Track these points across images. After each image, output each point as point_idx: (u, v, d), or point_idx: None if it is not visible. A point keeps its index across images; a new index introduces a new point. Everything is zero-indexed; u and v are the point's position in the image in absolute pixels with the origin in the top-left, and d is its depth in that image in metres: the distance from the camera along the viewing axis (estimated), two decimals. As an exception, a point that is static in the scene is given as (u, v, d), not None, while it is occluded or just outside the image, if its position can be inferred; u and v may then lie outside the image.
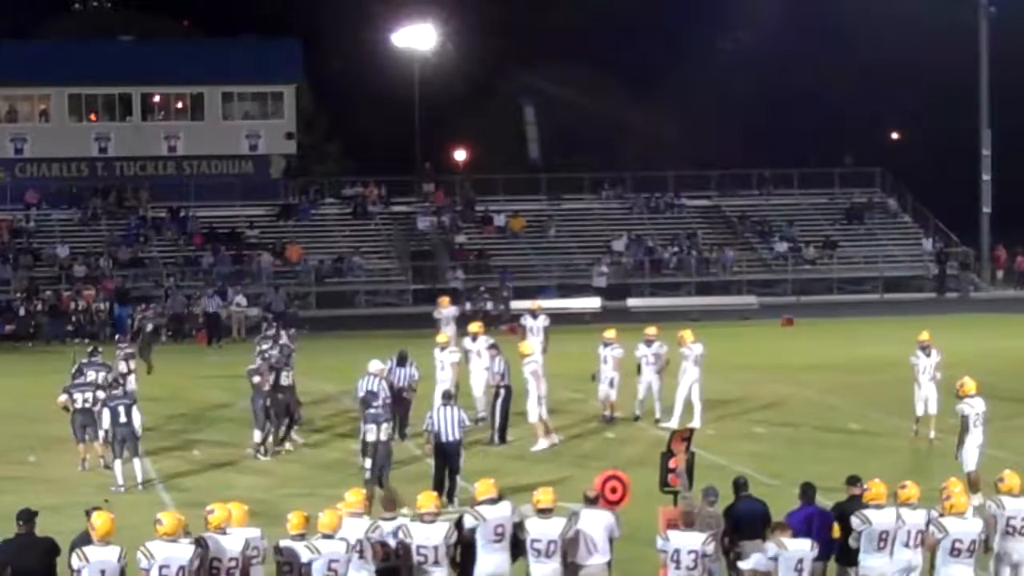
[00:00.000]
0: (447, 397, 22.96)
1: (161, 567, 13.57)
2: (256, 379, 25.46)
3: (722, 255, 60.19)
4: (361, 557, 14.53)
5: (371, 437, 21.28)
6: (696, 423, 26.32)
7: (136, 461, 23.26)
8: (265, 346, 28.47)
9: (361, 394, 25.10)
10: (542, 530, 14.95)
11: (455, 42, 71.82)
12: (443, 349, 28.27)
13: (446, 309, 37.40)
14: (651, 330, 28.78)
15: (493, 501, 15.21)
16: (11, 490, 22.49)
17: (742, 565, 14.97)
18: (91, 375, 25.95)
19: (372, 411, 21.95)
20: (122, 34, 67.50)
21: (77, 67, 60.03)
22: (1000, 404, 24.74)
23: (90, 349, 27.80)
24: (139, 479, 23.18)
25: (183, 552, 13.72)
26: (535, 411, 26.13)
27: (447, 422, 21.49)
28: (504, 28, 74.76)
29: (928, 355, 26.33)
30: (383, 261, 59.66)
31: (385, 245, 60.46)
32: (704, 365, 27.88)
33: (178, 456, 25.91)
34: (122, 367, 28.55)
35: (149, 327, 42.43)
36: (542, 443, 25.80)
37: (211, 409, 31.24)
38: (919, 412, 26.18)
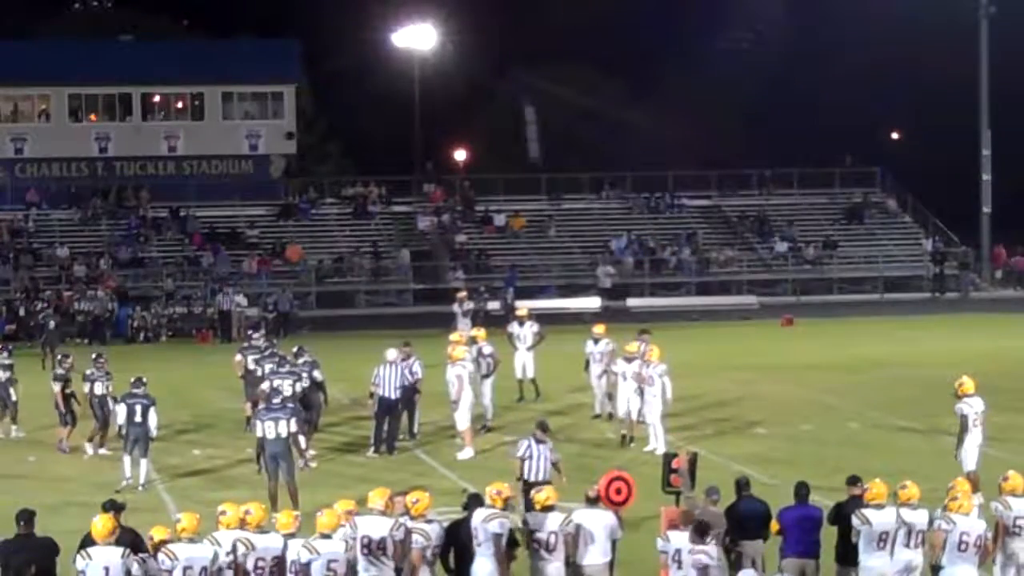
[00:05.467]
0: (543, 428, 19.19)
1: (184, 568, 13.60)
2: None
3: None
4: (384, 555, 14.50)
5: (259, 433, 21.34)
6: (658, 446, 24.56)
7: (143, 462, 23.29)
8: (252, 356, 27.74)
9: (375, 380, 25.47)
10: (540, 520, 14.95)
11: (455, 42, 71.80)
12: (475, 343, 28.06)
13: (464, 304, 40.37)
14: (599, 328, 28.91)
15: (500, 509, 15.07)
16: (11, 490, 22.48)
17: None
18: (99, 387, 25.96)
19: (263, 407, 21.81)
20: (122, 34, 67.52)
21: (77, 67, 60.00)
22: (1000, 404, 24.70)
23: (94, 356, 27.42)
24: (142, 480, 23.19)
25: (205, 552, 13.76)
26: (465, 418, 25.39)
27: (539, 462, 18.64)
28: (504, 28, 74.78)
29: None
30: (383, 261, 59.61)
31: (385, 245, 60.44)
32: (665, 383, 25.44)
33: (178, 456, 25.91)
34: (84, 388, 26.39)
35: (51, 324, 42.55)
36: (468, 451, 24.98)
37: (211, 409, 31.20)
38: None
